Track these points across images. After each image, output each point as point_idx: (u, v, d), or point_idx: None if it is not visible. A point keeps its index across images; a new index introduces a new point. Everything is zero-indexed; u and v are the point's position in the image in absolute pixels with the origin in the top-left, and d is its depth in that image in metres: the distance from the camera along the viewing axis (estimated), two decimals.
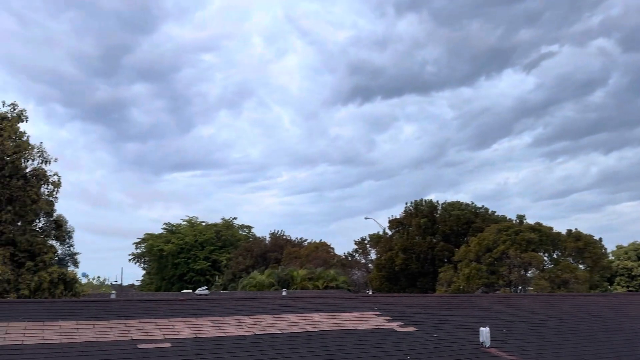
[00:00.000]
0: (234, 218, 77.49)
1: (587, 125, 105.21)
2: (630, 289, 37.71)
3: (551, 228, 37.09)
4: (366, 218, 75.65)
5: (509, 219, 42.94)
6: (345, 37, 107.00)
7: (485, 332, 9.55)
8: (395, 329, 10.24)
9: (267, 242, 65.08)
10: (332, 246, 59.84)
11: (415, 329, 10.60)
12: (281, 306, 11.55)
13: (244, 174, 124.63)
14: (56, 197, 23.13)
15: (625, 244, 43.60)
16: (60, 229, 24.24)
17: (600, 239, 37.14)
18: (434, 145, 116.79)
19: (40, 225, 23.85)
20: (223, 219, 76.61)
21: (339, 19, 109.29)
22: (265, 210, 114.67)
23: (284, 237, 65.38)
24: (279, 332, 9.29)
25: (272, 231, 66.47)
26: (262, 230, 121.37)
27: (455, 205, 47.27)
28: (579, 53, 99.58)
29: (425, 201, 48.42)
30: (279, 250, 60.11)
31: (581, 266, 35.80)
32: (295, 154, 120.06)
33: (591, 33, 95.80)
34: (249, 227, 77.77)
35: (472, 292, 33.53)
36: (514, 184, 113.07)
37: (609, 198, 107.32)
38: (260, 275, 47.29)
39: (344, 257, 56.08)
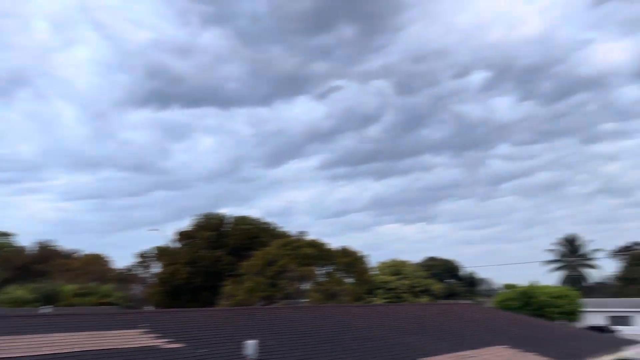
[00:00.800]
0: None
1: (364, 155, 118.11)
2: (387, 300, 42.83)
3: (326, 244, 40.37)
4: (150, 230, 72.01)
5: (292, 235, 45.40)
6: (145, 38, 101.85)
7: (251, 345, 9.80)
8: (161, 346, 9.88)
9: (31, 252, 57.41)
10: (110, 259, 55.64)
11: (183, 345, 10.37)
12: (33, 325, 10.23)
13: (11, 173, 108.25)
14: None
15: (386, 261, 49.75)
16: None
17: (366, 255, 41.78)
18: (230, 160, 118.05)
19: None
20: None
21: (140, 18, 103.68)
22: (34, 216, 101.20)
23: (53, 247, 58.52)
24: (24, 355, 8.18)
25: (39, 240, 58.95)
26: (28, 239, 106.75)
27: (244, 220, 48.23)
28: (361, 90, 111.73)
29: (215, 215, 48.41)
30: (46, 262, 53.51)
31: (349, 279, 39.59)
32: (77, 155, 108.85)
33: (372, 74, 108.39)
34: (10, 235, 67.66)
35: (252, 305, 34.36)
36: (301, 202, 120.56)
37: (377, 220, 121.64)
38: (19, 290, 41.39)
39: (123, 271, 52.53)
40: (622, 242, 66.55)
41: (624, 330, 37.59)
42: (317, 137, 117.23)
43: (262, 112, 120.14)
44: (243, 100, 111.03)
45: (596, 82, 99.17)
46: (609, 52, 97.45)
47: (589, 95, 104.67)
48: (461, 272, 74.69)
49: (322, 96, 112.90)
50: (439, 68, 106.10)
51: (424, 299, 41.22)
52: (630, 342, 19.66)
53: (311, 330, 14.09)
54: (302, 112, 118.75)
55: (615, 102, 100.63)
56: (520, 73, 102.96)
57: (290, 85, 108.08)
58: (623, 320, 44.23)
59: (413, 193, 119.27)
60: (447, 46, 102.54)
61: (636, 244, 64.27)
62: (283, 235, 45.24)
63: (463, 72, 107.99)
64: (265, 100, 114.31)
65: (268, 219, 49.29)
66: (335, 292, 33.65)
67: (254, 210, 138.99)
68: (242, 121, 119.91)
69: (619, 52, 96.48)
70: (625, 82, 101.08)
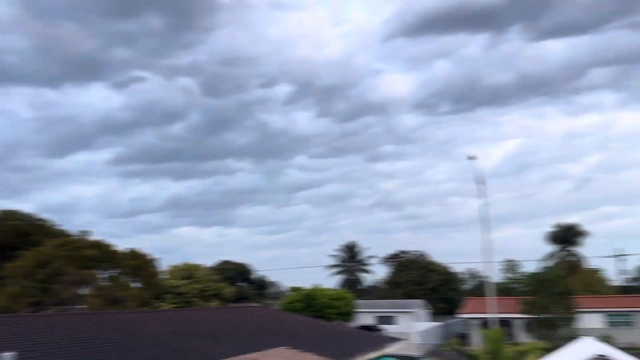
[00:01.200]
0: None
1: (164, 153, 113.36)
2: (176, 305, 41.55)
3: (112, 245, 37.48)
4: None
5: (72, 234, 41.14)
6: None
7: (7, 358, 8.50)
8: None
9: None
10: None
11: None
12: None
13: None
14: None
15: (178, 264, 48.16)
16: None
17: (157, 258, 39.93)
18: (2, 144, 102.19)
19: None
20: None
21: None
22: None
23: None
24: None
25: None
26: None
27: (12, 215, 42.10)
28: (166, 85, 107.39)
29: None
30: None
31: (136, 284, 37.34)
32: None
33: (179, 70, 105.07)
34: None
35: (17, 312, 30.06)
36: (87, 198, 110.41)
37: (172, 222, 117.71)
38: None
39: None
40: (391, 250, 75.70)
41: (389, 329, 42.67)
42: (112, 128, 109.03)
43: (47, 94, 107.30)
44: (25, 78, 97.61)
45: (381, 108, 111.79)
46: (393, 83, 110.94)
47: (374, 119, 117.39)
48: (253, 276, 76.57)
49: (121, 85, 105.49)
50: (247, 75, 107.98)
51: (215, 303, 41.10)
52: (393, 340, 22.31)
53: (86, 337, 12.84)
54: (96, 99, 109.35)
55: (395, 128, 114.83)
56: (319, 91, 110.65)
57: (85, 69, 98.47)
58: (389, 320, 50.20)
59: (212, 196, 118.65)
60: (257, 55, 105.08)
61: (402, 252, 73.72)
62: (61, 234, 40.73)
63: (269, 82, 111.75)
64: (52, 81, 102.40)
65: (44, 215, 43.79)
66: (119, 297, 31.42)
67: (28, 204, 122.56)
68: (21, 102, 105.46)
69: (401, 84, 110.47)
70: (404, 111, 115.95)
